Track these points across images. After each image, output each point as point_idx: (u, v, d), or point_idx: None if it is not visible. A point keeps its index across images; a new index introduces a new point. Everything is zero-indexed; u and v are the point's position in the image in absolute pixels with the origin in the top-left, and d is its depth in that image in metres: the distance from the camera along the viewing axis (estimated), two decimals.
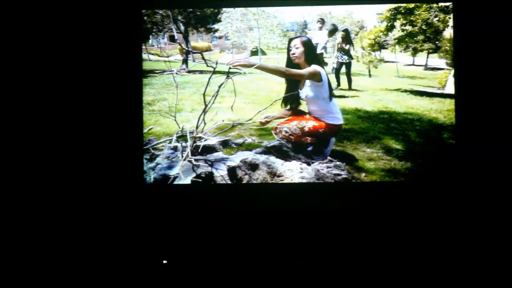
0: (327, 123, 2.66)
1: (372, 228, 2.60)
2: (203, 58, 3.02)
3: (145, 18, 2.87)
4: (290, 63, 2.66)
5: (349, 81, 3.00)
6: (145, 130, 2.77)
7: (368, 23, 2.88)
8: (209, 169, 2.63)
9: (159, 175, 2.66)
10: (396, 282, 2.36)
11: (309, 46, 2.62)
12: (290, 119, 2.75)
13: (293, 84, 2.73)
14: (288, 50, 2.66)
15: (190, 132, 2.73)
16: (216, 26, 3.02)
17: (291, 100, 2.74)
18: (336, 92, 2.87)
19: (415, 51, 2.91)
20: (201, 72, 3.02)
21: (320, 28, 2.90)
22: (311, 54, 2.64)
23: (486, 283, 2.31)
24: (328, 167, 2.62)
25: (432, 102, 2.79)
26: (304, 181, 2.57)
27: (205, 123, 2.73)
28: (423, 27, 2.78)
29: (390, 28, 2.81)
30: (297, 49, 2.62)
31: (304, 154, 2.66)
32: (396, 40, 2.84)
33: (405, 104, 2.84)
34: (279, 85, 2.80)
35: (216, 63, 2.79)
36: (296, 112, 2.76)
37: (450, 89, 2.71)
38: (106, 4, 2.69)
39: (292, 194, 2.61)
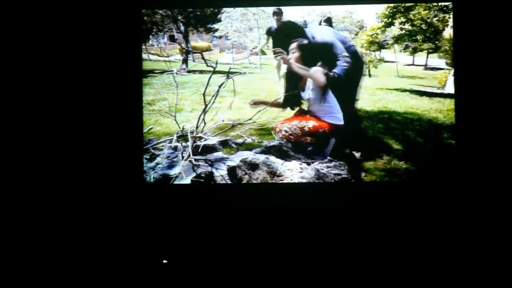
0: (327, 123, 2.66)
1: (372, 228, 2.60)
2: (203, 58, 3.02)
3: (145, 18, 2.87)
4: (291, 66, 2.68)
5: None
6: (145, 130, 2.77)
7: (368, 23, 2.88)
8: (209, 169, 2.63)
9: (159, 175, 2.66)
10: (396, 282, 2.36)
11: (306, 50, 2.62)
12: (290, 118, 2.75)
13: (293, 83, 2.74)
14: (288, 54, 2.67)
15: (190, 132, 2.73)
16: (216, 26, 3.02)
17: (292, 100, 2.74)
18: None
19: (415, 51, 2.91)
20: (201, 72, 3.02)
21: (279, 21, 2.85)
22: (308, 56, 2.64)
23: (486, 283, 2.31)
24: (328, 167, 2.62)
25: (432, 102, 2.79)
26: (304, 181, 2.57)
27: (205, 123, 2.73)
28: (423, 26, 2.78)
29: (388, 25, 2.81)
30: (293, 54, 2.63)
31: (304, 154, 2.66)
32: (395, 38, 2.84)
33: (405, 104, 2.84)
34: (279, 85, 2.80)
35: (216, 63, 2.79)
36: (297, 112, 2.76)
37: (450, 89, 2.71)
38: (106, 4, 2.69)
39: (292, 194, 2.61)
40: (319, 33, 2.70)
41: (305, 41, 2.64)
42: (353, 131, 2.75)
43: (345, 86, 2.70)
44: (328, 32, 2.70)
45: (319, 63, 2.63)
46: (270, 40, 2.95)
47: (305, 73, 2.67)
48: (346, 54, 2.65)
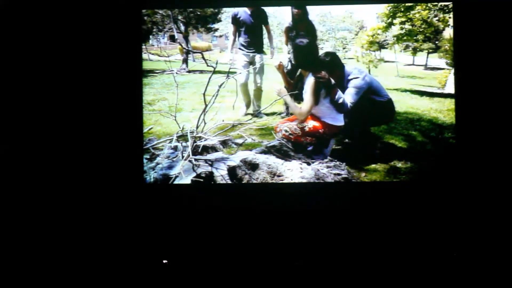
0: (327, 124, 2.65)
1: (372, 228, 2.60)
2: (203, 58, 3.02)
3: (145, 18, 2.87)
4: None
5: None
6: (145, 130, 2.77)
7: (368, 23, 2.88)
8: (209, 168, 2.63)
9: (159, 174, 2.66)
10: (396, 282, 2.36)
11: (297, 51, 2.66)
12: (290, 118, 2.75)
13: (295, 84, 2.74)
14: None
15: (190, 132, 2.73)
16: (216, 26, 3.02)
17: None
18: None
19: (415, 51, 2.91)
20: (201, 72, 3.02)
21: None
22: (301, 60, 2.67)
23: (486, 283, 2.30)
24: (328, 167, 2.62)
25: (432, 102, 2.79)
26: (304, 181, 2.57)
27: (205, 123, 2.73)
28: (423, 26, 2.78)
29: (389, 25, 2.80)
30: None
31: (304, 154, 2.66)
32: (395, 38, 2.84)
33: (405, 104, 2.84)
34: (280, 85, 2.80)
35: (216, 63, 2.79)
36: None
37: (450, 88, 2.71)
38: (106, 4, 2.69)
39: (292, 194, 2.61)
40: (356, 73, 2.67)
41: (301, 43, 2.65)
42: (354, 132, 2.75)
43: (362, 120, 2.72)
44: (362, 78, 2.66)
45: (311, 75, 2.62)
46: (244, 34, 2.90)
47: (289, 104, 2.71)
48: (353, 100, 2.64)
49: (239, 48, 2.94)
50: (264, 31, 2.89)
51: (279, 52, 2.95)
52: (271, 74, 2.94)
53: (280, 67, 2.74)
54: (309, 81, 2.61)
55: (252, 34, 2.91)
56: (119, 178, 2.68)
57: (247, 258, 2.53)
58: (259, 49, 2.94)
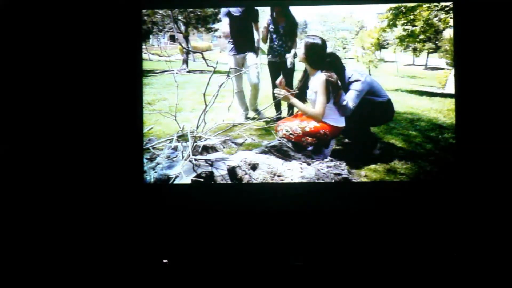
0: (329, 125, 2.65)
1: (372, 228, 2.60)
2: (203, 58, 3.02)
3: (145, 18, 2.87)
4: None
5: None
6: (145, 130, 2.77)
7: (368, 23, 2.88)
8: (209, 168, 2.63)
9: (160, 174, 2.66)
10: (396, 282, 2.36)
11: (310, 49, 2.60)
12: (291, 118, 2.75)
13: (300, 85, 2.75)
14: None
15: (190, 132, 2.73)
16: (216, 26, 3.02)
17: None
18: None
19: (415, 51, 2.91)
20: (201, 72, 3.02)
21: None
22: (313, 58, 2.62)
23: (486, 283, 2.30)
24: (328, 167, 2.62)
25: (432, 102, 2.79)
26: (304, 181, 2.57)
27: (205, 123, 2.73)
28: (424, 26, 2.77)
29: (392, 25, 2.79)
30: (301, 50, 2.63)
31: (304, 154, 2.66)
32: (398, 40, 2.83)
33: (405, 104, 2.84)
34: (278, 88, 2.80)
35: (217, 63, 2.79)
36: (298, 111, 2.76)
37: (450, 88, 2.71)
38: (106, 4, 2.69)
39: (292, 194, 2.61)
40: (356, 76, 2.66)
41: (311, 40, 2.62)
42: (355, 132, 2.75)
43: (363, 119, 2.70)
44: (363, 81, 2.65)
45: (324, 72, 2.61)
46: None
47: (301, 108, 2.68)
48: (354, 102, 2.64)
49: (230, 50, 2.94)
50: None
51: (262, 54, 2.95)
52: (265, 74, 2.94)
53: (281, 83, 2.72)
54: (319, 80, 2.58)
55: (242, 32, 2.90)
56: (119, 178, 2.68)
57: (247, 258, 2.53)
58: (250, 48, 2.94)
